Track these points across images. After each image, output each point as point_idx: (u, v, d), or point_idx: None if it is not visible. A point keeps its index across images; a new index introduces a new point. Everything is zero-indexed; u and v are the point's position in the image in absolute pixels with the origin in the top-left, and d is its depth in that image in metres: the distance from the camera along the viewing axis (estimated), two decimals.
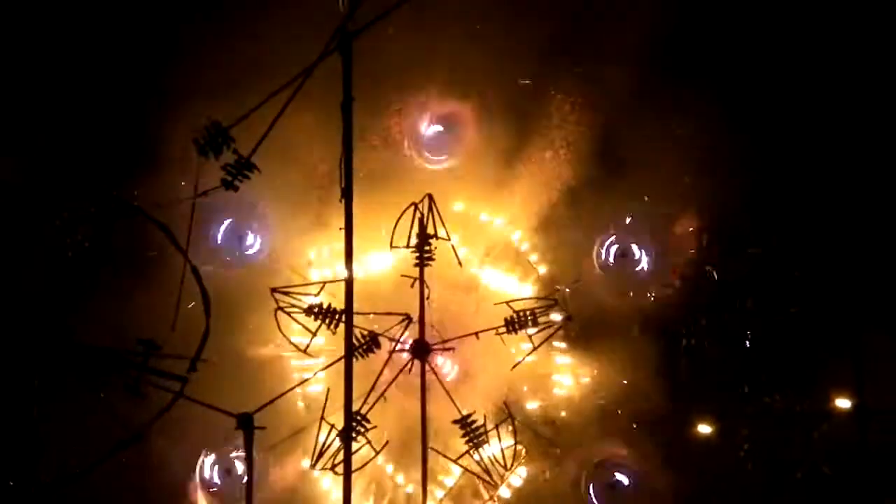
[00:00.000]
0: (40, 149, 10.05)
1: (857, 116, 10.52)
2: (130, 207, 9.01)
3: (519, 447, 9.07)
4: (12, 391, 9.85)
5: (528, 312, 8.75)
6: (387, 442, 8.41)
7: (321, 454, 8.19)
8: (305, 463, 10.04)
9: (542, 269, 10.60)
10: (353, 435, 7.80)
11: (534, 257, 10.65)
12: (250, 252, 10.71)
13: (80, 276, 10.16)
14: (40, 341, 9.48)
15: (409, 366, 8.60)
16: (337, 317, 8.51)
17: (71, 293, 10.07)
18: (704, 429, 10.68)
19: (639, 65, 10.15)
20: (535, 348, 8.87)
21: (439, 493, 10.19)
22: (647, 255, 10.70)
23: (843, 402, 10.49)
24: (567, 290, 10.63)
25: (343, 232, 7.06)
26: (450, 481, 10.25)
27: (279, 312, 8.60)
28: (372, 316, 8.62)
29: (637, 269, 10.72)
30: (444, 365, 9.98)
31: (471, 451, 8.53)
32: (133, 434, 8.50)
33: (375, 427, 8.32)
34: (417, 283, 8.37)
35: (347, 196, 6.99)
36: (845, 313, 10.53)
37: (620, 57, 10.13)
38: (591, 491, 10.45)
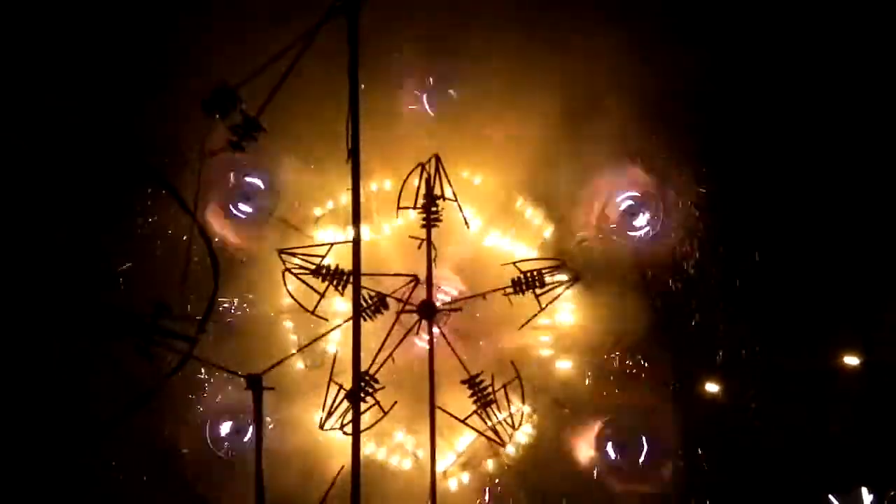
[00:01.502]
0: (53, 111, 10.04)
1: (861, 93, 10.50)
2: (145, 170, 9.01)
3: (527, 406, 9.14)
4: (29, 351, 9.91)
5: (535, 273, 8.77)
6: (395, 402, 8.47)
7: (330, 414, 8.27)
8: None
9: (548, 232, 10.54)
10: (362, 395, 7.86)
11: (537, 220, 10.59)
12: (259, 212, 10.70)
13: (94, 237, 10.19)
14: (55, 302, 9.53)
15: (416, 326, 8.65)
16: (345, 278, 8.56)
17: (85, 254, 10.10)
18: (712, 388, 10.70)
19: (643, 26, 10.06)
20: (542, 308, 8.90)
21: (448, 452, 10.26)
22: (653, 214, 10.67)
23: (850, 360, 10.49)
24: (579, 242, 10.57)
25: (350, 192, 7.06)
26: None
27: (287, 274, 8.66)
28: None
29: (643, 228, 10.69)
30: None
31: (478, 411, 8.60)
32: (145, 392, 8.60)
33: (384, 388, 8.39)
34: (425, 244, 8.38)
35: (354, 156, 6.96)
36: (854, 273, 10.51)
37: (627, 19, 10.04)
38: (601, 450, 10.51)
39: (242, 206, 10.53)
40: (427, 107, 10.76)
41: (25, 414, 9.87)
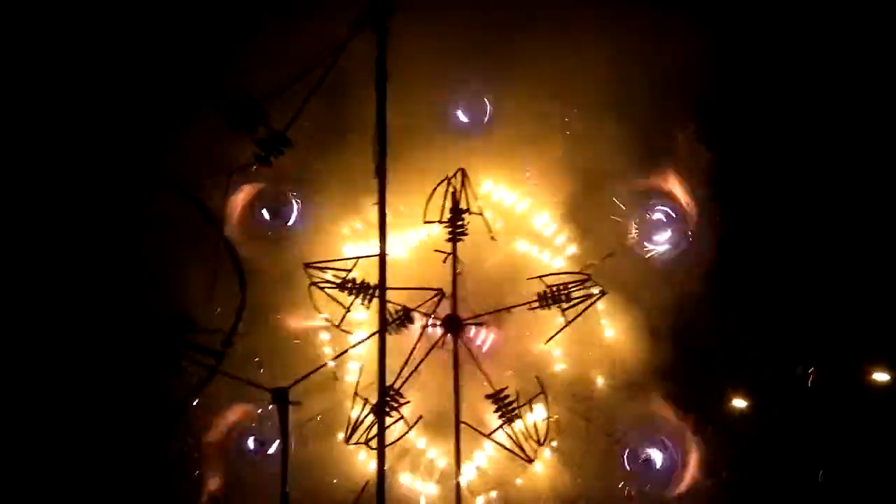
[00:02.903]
0: (76, 125, 10.10)
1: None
2: (169, 184, 9.06)
3: (552, 421, 9.09)
4: (52, 367, 9.96)
5: (561, 287, 8.75)
6: (420, 417, 8.46)
7: (355, 429, 8.27)
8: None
9: (573, 249, 10.50)
10: (387, 410, 7.86)
11: (561, 238, 10.54)
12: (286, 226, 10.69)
13: (119, 252, 10.23)
14: (79, 318, 9.58)
15: (441, 340, 8.64)
16: (370, 292, 8.57)
17: (110, 269, 10.15)
18: (739, 403, 10.63)
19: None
20: (568, 323, 8.88)
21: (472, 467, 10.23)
22: (680, 231, 10.61)
23: (881, 376, 10.39)
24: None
25: (377, 207, 7.08)
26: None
27: (313, 287, 8.68)
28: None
29: (671, 244, 10.64)
30: (478, 336, 9.95)
31: (504, 427, 8.57)
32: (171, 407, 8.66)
33: (409, 402, 8.37)
34: (450, 257, 8.39)
35: (381, 172, 7.00)
36: (885, 288, 10.42)
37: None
38: (625, 465, 10.44)
39: (270, 221, 10.55)
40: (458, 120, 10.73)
41: (47, 428, 9.91)
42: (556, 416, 9.54)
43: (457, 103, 10.58)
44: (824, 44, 10.44)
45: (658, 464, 10.37)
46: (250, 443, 10.39)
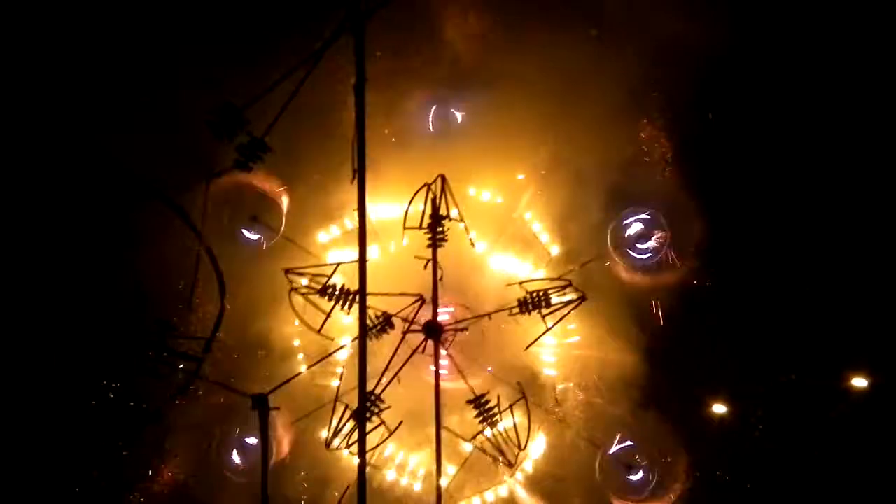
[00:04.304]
0: (58, 133, 10.08)
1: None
2: (149, 190, 9.03)
3: (533, 427, 9.10)
4: (33, 371, 9.94)
5: (541, 293, 8.76)
6: (401, 422, 8.44)
7: (336, 434, 8.25)
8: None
9: (555, 250, 10.53)
10: (368, 415, 7.85)
11: (545, 238, 10.58)
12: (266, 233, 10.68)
13: (100, 258, 10.21)
14: (62, 324, 9.56)
15: (422, 346, 8.63)
16: (351, 298, 8.55)
17: (92, 274, 10.13)
18: (719, 408, 10.67)
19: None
20: (548, 329, 8.87)
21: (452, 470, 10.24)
22: (660, 237, 10.66)
23: (859, 381, 10.45)
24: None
25: (356, 213, 7.07)
26: None
27: (293, 293, 8.65)
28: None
29: (650, 251, 10.68)
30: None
31: (484, 431, 8.57)
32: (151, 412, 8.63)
33: (389, 407, 8.36)
34: (430, 264, 8.37)
35: (360, 177, 6.99)
36: (861, 292, 10.49)
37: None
38: (606, 470, 10.46)
39: (249, 228, 10.54)
40: (435, 126, 10.75)
41: (35, 433, 9.88)
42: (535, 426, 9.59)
43: (437, 108, 10.65)
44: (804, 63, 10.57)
45: (638, 469, 10.42)
46: (234, 456, 10.45)
